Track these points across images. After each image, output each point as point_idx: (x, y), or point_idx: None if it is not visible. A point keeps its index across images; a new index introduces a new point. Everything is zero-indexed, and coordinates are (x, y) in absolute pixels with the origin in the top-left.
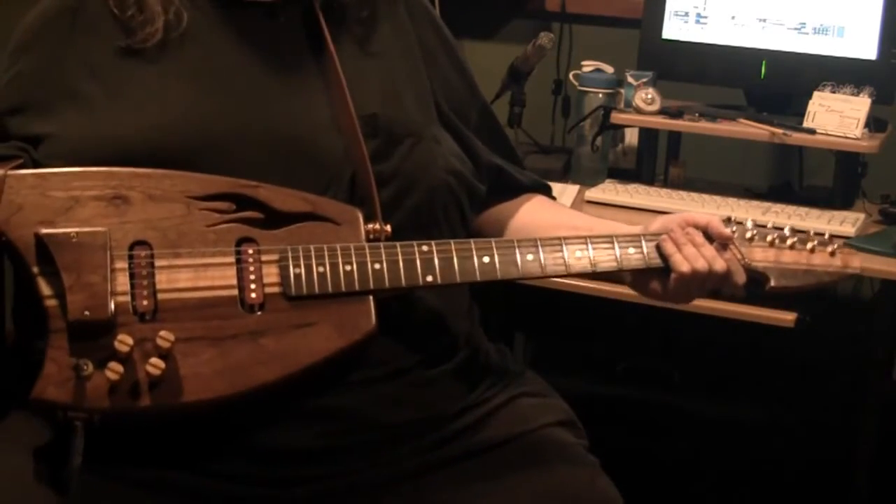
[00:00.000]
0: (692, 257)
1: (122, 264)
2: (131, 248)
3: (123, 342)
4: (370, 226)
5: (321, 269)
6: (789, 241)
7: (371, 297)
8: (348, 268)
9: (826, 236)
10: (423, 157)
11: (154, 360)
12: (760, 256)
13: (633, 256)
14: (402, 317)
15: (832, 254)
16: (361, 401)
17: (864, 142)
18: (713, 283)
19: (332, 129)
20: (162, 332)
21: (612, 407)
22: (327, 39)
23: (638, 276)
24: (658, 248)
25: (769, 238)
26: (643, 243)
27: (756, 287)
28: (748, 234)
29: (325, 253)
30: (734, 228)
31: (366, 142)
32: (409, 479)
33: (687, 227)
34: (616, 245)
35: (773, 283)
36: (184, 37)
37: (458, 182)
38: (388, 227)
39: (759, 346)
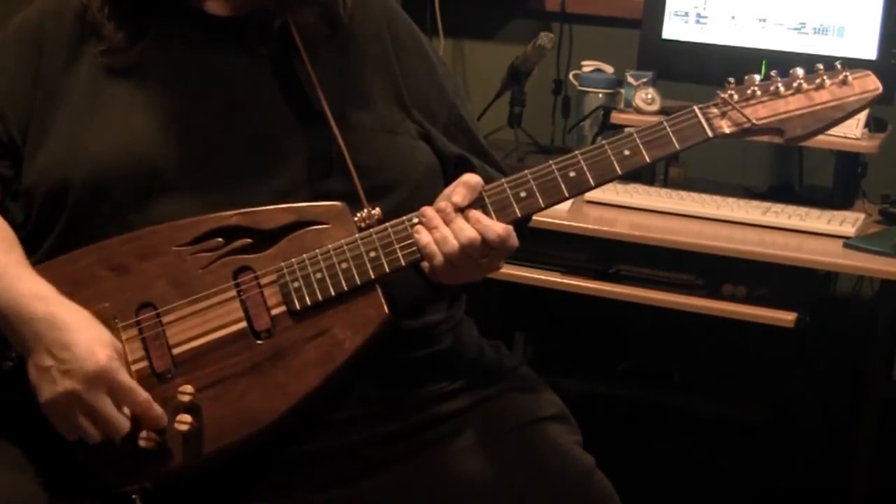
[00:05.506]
0: (441, 242)
1: (132, 332)
2: (137, 312)
3: None
4: (359, 214)
5: (318, 274)
6: (795, 84)
7: (377, 286)
8: (344, 265)
9: (838, 65)
10: (402, 151)
11: (181, 416)
12: (765, 112)
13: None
14: None
15: (844, 82)
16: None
17: (864, 142)
18: (482, 253)
19: (305, 131)
20: (181, 387)
21: (611, 407)
22: (303, 54)
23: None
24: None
25: (772, 89)
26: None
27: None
28: (748, 92)
29: (319, 257)
30: (725, 95)
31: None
32: (401, 463)
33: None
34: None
35: (788, 135)
36: (158, 52)
37: (435, 176)
38: (378, 210)
39: (759, 346)
